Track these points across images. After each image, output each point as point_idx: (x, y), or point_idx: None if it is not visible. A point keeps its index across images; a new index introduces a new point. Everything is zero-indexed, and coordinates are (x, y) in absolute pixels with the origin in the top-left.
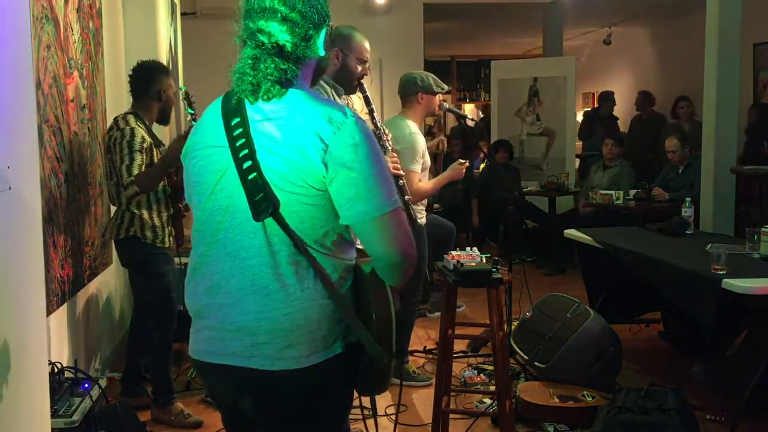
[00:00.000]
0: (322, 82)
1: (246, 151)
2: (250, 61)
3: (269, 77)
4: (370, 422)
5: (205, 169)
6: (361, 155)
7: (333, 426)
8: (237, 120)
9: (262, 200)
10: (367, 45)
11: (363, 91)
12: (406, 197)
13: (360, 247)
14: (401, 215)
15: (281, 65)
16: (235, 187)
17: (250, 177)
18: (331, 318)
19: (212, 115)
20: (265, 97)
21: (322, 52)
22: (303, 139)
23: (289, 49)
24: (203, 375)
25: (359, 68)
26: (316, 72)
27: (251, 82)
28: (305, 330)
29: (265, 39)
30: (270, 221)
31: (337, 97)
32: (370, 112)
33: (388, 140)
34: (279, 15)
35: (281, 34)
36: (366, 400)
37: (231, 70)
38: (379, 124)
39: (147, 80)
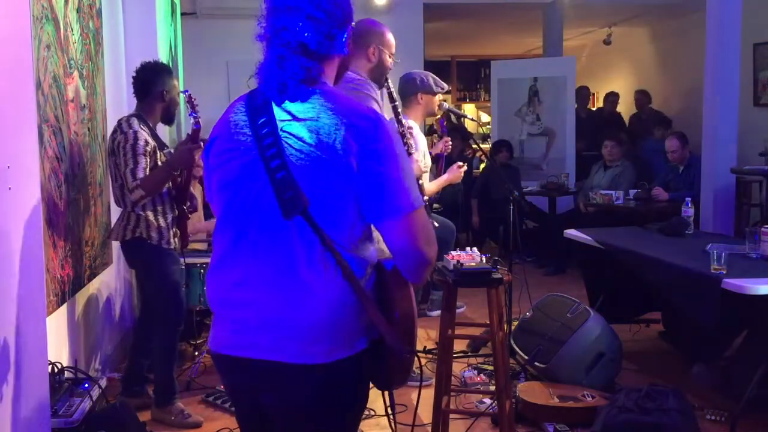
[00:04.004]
0: (366, 78)
1: (274, 150)
2: (276, 60)
3: (295, 76)
4: (370, 422)
5: (229, 167)
6: (388, 155)
7: (351, 421)
8: (264, 119)
9: (292, 198)
10: (393, 39)
11: (388, 87)
12: (423, 197)
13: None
14: (425, 214)
15: (306, 64)
16: (263, 185)
17: (279, 175)
18: (355, 314)
19: (235, 114)
20: (292, 96)
21: (345, 51)
22: (331, 139)
23: (314, 48)
24: (223, 368)
25: (390, 63)
26: (339, 70)
27: (278, 81)
28: (330, 326)
29: (290, 37)
30: (298, 219)
31: (377, 94)
32: (394, 108)
33: (411, 139)
34: (304, 13)
35: (306, 32)
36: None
37: (256, 69)
38: (404, 121)
39: (150, 81)
